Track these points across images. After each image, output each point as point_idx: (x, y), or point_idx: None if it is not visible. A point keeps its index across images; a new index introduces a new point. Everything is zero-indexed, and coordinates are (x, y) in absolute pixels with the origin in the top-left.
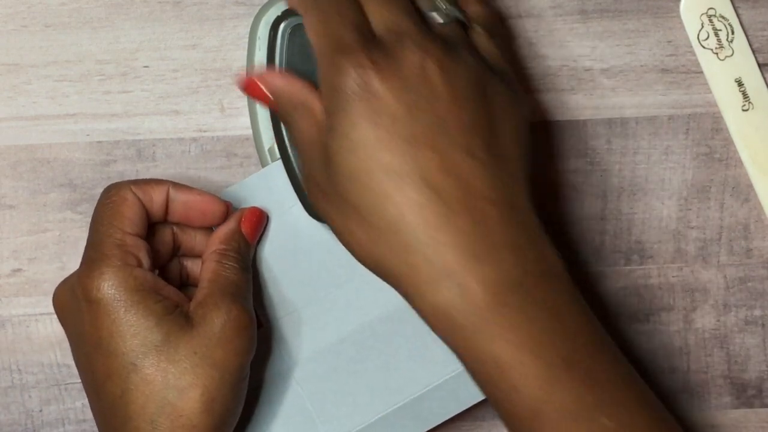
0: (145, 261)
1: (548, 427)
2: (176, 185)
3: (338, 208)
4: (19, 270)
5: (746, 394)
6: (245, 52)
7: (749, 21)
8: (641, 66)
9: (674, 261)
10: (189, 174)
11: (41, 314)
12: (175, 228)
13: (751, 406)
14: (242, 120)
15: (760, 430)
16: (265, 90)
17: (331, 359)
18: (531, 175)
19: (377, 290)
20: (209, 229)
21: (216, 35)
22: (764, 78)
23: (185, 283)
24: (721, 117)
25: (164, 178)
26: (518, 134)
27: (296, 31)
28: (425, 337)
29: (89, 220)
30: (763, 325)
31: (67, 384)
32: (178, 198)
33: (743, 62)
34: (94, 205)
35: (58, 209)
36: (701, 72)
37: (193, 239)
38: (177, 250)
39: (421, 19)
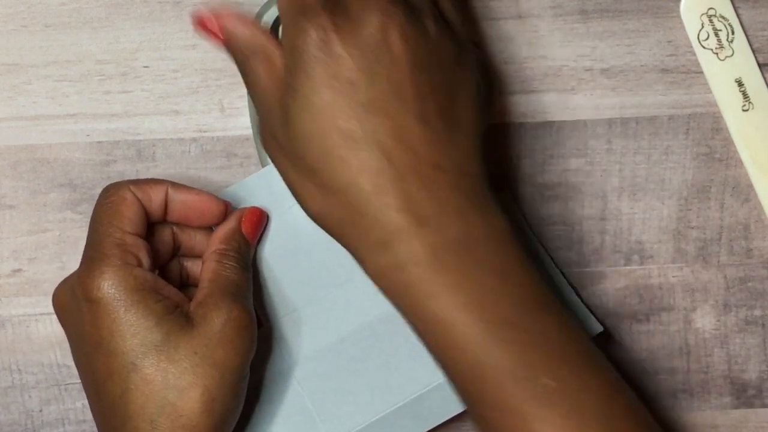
0: (145, 261)
1: (489, 386)
2: (175, 185)
3: (294, 164)
4: (19, 270)
5: (746, 394)
6: None
7: (749, 21)
8: (641, 66)
9: (674, 261)
10: (189, 174)
11: (41, 314)
12: (174, 228)
13: (751, 406)
14: (242, 120)
15: (760, 430)
16: (217, 28)
17: (332, 359)
18: (485, 144)
19: (377, 290)
20: (209, 229)
21: None
22: (764, 78)
23: (185, 283)
24: (721, 117)
25: (164, 178)
26: (473, 102)
27: None
28: None
29: (89, 220)
30: (763, 325)
31: (67, 384)
32: (177, 197)
33: (743, 62)
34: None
35: (58, 209)
36: (701, 72)
37: (193, 239)
38: (177, 250)
39: None
